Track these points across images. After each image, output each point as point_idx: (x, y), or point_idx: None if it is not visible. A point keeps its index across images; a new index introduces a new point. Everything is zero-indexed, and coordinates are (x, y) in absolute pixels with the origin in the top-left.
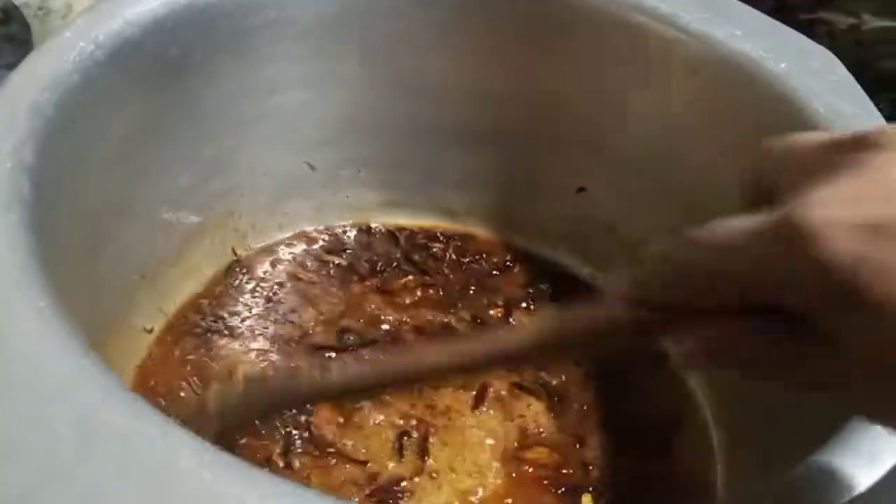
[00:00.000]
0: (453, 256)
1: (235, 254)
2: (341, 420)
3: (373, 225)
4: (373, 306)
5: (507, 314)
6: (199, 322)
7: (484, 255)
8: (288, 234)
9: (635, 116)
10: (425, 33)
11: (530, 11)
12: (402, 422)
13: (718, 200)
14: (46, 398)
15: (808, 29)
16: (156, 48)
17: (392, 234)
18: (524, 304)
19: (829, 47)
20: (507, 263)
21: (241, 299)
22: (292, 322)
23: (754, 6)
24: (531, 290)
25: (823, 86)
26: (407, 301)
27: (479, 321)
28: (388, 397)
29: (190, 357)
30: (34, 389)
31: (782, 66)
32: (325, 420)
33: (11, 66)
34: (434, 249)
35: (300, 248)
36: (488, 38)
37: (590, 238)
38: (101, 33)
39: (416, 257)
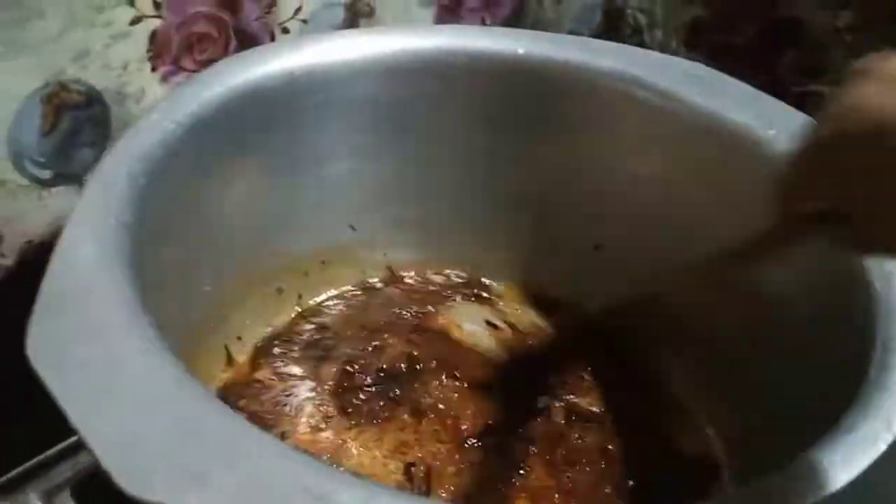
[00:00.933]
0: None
1: (283, 307)
2: None
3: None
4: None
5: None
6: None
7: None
8: (331, 290)
9: (639, 180)
10: (455, 111)
11: (543, 88)
12: None
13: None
14: (152, 402)
15: (800, 100)
16: (222, 127)
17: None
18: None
19: None
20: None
21: (287, 352)
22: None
23: (747, 80)
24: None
25: None
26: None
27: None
28: None
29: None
30: (143, 396)
31: (770, 132)
32: None
33: (93, 144)
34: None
35: (342, 301)
36: (512, 115)
37: (608, 288)
38: (180, 114)
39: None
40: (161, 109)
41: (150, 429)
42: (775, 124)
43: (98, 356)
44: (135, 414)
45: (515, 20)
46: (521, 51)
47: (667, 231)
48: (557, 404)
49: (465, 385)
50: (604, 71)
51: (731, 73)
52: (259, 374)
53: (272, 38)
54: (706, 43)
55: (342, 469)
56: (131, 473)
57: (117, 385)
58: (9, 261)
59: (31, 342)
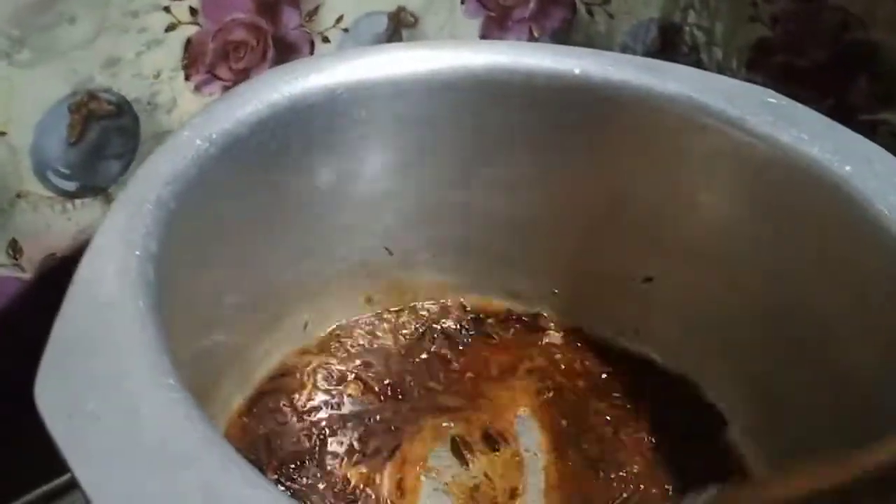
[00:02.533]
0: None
1: (313, 333)
2: None
3: (447, 302)
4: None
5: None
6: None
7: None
8: (364, 315)
9: (701, 212)
10: (499, 129)
11: (599, 111)
12: None
13: (783, 292)
14: (174, 464)
15: (871, 130)
16: (259, 144)
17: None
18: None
19: (892, 148)
20: (573, 347)
21: (315, 380)
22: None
23: (814, 107)
24: (595, 374)
25: (887, 187)
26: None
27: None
28: None
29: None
30: (163, 456)
31: (847, 168)
32: None
33: (121, 156)
34: (501, 329)
35: (378, 326)
36: (559, 133)
37: (656, 325)
38: (215, 132)
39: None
40: (193, 126)
41: (167, 496)
42: (852, 160)
43: (114, 409)
44: (152, 479)
45: (565, 34)
46: (577, 70)
47: (725, 269)
48: None
49: None
50: (668, 95)
51: (795, 97)
52: (276, 404)
53: (312, 47)
54: (769, 65)
55: None
56: None
57: (134, 444)
58: (28, 274)
59: (39, 388)
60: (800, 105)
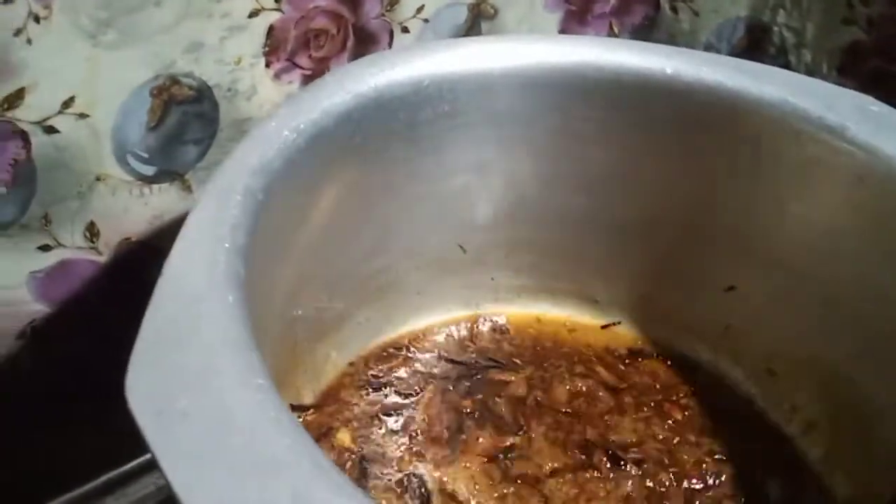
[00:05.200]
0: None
1: (382, 332)
2: None
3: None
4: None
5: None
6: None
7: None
8: (435, 316)
9: (794, 220)
10: (583, 128)
11: (690, 112)
12: None
13: (876, 307)
14: (264, 470)
15: None
16: (344, 136)
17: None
18: (660, 398)
19: None
20: (648, 356)
21: (386, 378)
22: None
23: None
24: (670, 385)
25: None
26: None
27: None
28: None
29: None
30: (254, 460)
31: None
32: None
33: (199, 142)
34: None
35: (445, 329)
36: (646, 134)
37: (736, 337)
38: (302, 122)
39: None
40: (280, 116)
41: (259, 502)
42: None
43: (205, 408)
44: (243, 484)
45: (647, 31)
46: (668, 70)
47: (815, 283)
48: None
49: None
50: (763, 100)
51: (889, 104)
52: (349, 396)
53: (391, 37)
54: (862, 70)
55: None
56: None
57: (226, 445)
58: (103, 258)
59: (130, 383)
60: None
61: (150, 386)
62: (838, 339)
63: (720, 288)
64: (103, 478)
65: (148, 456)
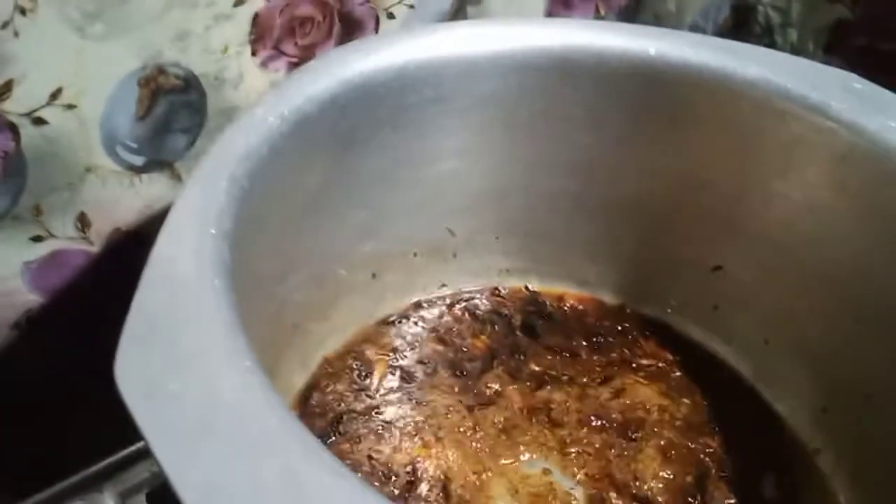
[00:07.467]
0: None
1: (374, 314)
2: None
3: (502, 289)
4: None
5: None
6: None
7: (611, 325)
8: (426, 296)
9: (778, 199)
10: (570, 111)
11: (675, 93)
12: None
13: (863, 286)
14: (253, 449)
15: None
16: (329, 122)
17: (521, 298)
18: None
19: None
20: (636, 334)
21: (379, 358)
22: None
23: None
24: (659, 362)
25: None
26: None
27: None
28: None
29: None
30: (242, 440)
31: None
32: None
33: (187, 131)
34: (561, 313)
35: (435, 310)
36: (631, 115)
37: (723, 315)
38: (287, 109)
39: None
40: (265, 103)
41: (248, 481)
42: None
43: (194, 390)
44: (232, 462)
45: (632, 12)
46: (652, 51)
47: (801, 262)
48: None
49: None
50: (747, 79)
51: (875, 82)
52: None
53: (377, 23)
54: (848, 48)
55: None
56: None
57: (214, 426)
58: (95, 247)
59: (119, 368)
60: (887, 91)
61: (139, 370)
62: (828, 319)
63: (707, 268)
64: (99, 465)
65: (143, 443)
